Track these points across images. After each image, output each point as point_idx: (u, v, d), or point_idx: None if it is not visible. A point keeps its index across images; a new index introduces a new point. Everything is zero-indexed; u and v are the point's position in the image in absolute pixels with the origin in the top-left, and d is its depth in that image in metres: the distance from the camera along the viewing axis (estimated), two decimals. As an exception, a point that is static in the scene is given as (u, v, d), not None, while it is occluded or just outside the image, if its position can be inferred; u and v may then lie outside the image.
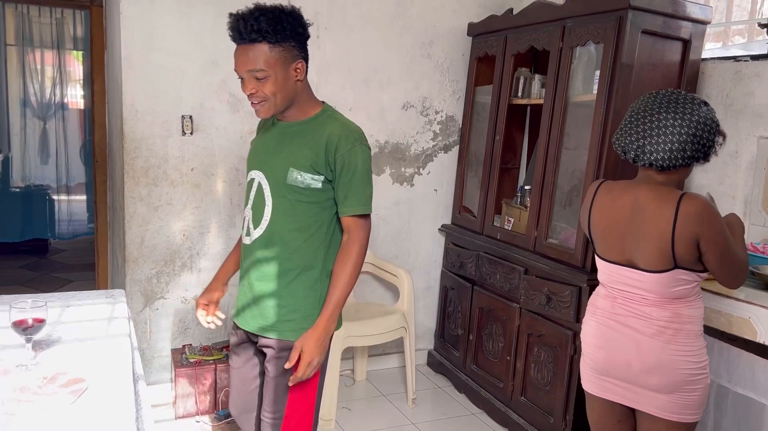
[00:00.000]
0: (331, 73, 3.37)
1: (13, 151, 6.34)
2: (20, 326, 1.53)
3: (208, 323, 2.06)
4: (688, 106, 1.78)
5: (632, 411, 1.96)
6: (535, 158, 3.20)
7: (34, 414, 1.32)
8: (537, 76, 3.24)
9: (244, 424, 2.03)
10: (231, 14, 1.74)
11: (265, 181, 1.85)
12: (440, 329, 3.79)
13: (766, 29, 2.60)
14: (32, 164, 6.43)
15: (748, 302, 2.13)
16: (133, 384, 1.59)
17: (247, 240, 1.91)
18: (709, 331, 2.17)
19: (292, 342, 1.83)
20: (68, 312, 1.95)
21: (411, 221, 3.75)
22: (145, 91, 3.00)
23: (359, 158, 1.80)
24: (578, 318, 2.66)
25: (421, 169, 3.72)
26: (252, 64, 1.71)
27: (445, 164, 3.76)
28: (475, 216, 3.54)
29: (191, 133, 3.11)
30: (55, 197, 6.42)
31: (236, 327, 1.99)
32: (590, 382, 2.01)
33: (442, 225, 3.77)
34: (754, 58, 2.59)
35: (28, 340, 1.55)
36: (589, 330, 2.00)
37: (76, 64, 6.69)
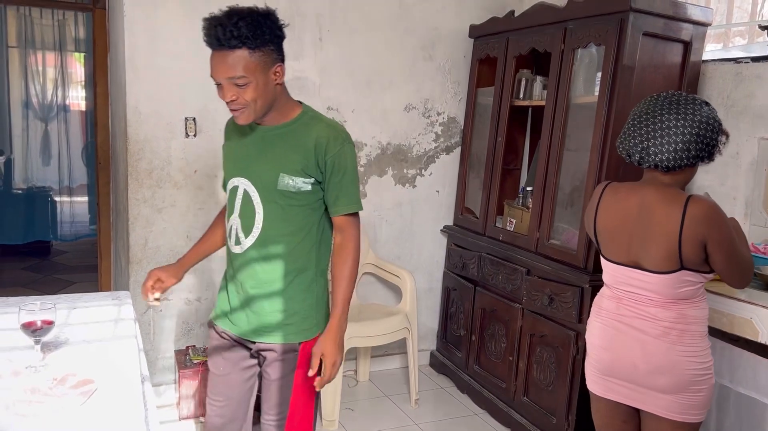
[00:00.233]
0: (334, 75, 3.38)
1: (15, 153, 6.34)
2: (29, 328, 1.54)
3: (154, 300, 2.01)
4: (689, 106, 1.80)
5: (637, 411, 1.97)
6: (536, 159, 3.21)
7: (45, 415, 1.33)
8: (538, 78, 3.25)
9: None
10: (206, 19, 1.67)
11: (252, 187, 1.82)
12: (443, 330, 3.80)
13: (766, 31, 2.61)
14: (34, 166, 6.42)
15: (749, 302, 2.14)
16: (141, 386, 1.60)
17: (237, 250, 1.87)
18: (712, 332, 2.17)
19: (295, 344, 1.84)
20: (75, 314, 1.97)
21: (413, 222, 3.76)
22: (148, 94, 3.01)
23: (348, 158, 1.80)
24: (580, 318, 2.68)
25: (423, 171, 3.73)
26: (232, 71, 1.65)
27: (447, 165, 3.78)
28: (477, 218, 3.55)
29: (195, 135, 3.12)
30: (57, 199, 6.42)
31: (218, 332, 1.95)
32: (595, 383, 2.03)
33: (444, 226, 3.79)
34: (755, 59, 2.61)
35: (37, 342, 1.56)
36: (594, 331, 2.01)
37: (77, 66, 6.69)
